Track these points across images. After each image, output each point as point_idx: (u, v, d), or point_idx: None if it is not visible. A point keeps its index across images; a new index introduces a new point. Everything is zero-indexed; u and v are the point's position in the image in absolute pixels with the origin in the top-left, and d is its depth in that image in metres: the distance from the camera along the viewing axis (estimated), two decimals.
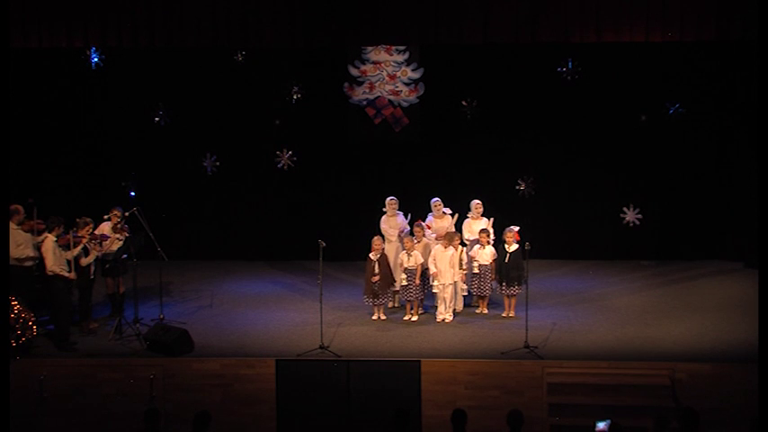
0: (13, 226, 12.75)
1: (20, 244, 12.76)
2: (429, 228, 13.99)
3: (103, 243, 13.21)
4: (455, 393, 11.81)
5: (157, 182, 16.70)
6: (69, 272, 12.61)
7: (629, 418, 10.92)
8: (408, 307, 13.70)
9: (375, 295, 13.52)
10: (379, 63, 16.49)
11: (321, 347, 12.32)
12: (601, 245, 16.49)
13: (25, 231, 12.93)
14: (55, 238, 12.59)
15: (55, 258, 12.51)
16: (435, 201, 14.12)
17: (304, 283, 15.45)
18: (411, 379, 11.87)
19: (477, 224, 13.93)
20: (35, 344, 12.43)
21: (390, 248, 13.89)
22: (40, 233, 12.96)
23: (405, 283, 13.49)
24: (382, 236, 13.89)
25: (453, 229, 13.78)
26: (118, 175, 16.72)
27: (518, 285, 13.43)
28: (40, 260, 12.87)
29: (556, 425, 11.60)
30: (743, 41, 13.49)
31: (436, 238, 13.81)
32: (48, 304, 12.93)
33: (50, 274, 12.54)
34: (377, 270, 13.40)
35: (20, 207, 12.96)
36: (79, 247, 12.79)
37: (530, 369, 11.85)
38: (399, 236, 13.98)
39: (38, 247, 12.83)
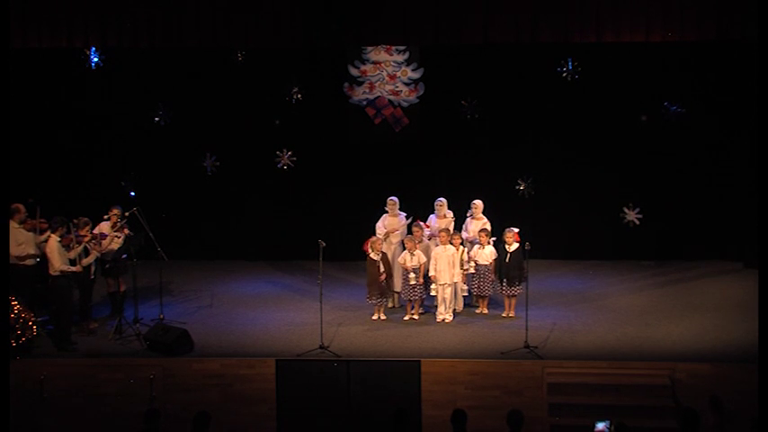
0: (14, 225, 12.77)
1: (21, 243, 12.78)
2: (428, 227, 14.00)
3: (102, 242, 13.20)
4: (455, 393, 11.81)
5: (157, 182, 16.69)
6: (75, 266, 12.64)
7: (629, 418, 10.85)
8: (408, 307, 13.70)
9: (382, 295, 13.53)
10: (379, 63, 16.48)
11: (321, 347, 12.33)
12: (601, 245, 16.48)
13: (27, 230, 12.95)
14: (59, 238, 12.59)
15: (61, 258, 12.51)
16: (439, 201, 14.12)
17: (304, 283, 15.45)
18: (411, 379, 11.87)
19: (476, 224, 13.94)
20: (35, 344, 12.42)
21: (386, 248, 13.85)
22: (42, 233, 12.99)
23: (413, 282, 13.45)
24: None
25: (451, 230, 13.79)
26: (118, 174, 16.72)
27: (518, 285, 13.44)
28: (41, 259, 12.88)
29: (556, 425, 11.60)
30: (743, 41, 13.48)
31: (429, 238, 13.81)
32: (48, 304, 12.92)
33: (56, 273, 12.52)
34: (382, 269, 13.41)
35: (20, 206, 12.98)
36: (81, 247, 12.79)
37: (530, 369, 11.85)
38: (387, 235, 13.95)
39: (40, 247, 12.85)
